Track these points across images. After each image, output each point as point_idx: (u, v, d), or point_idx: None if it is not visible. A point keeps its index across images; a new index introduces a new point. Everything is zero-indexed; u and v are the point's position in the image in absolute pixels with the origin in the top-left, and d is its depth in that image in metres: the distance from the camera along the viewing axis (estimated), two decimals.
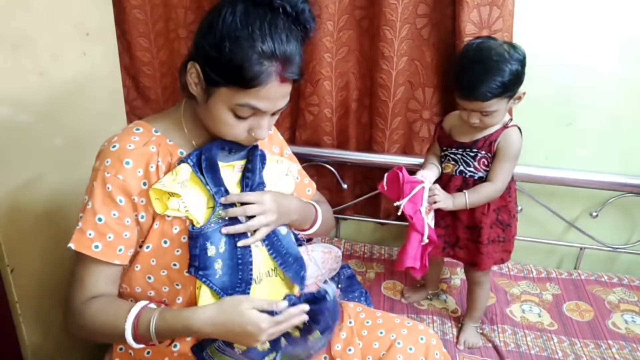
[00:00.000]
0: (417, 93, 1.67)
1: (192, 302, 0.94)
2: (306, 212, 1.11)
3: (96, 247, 0.89)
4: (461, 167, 1.35)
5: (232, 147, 0.98)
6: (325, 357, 1.09)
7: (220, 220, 0.94)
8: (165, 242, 0.93)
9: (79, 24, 1.38)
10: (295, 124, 1.82)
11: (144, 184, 0.92)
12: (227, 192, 0.96)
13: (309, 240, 1.37)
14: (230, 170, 1.00)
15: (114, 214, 0.90)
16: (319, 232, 1.17)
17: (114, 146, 0.91)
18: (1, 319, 1.25)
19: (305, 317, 0.88)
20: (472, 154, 1.33)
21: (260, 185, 1.03)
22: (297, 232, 1.12)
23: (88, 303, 0.91)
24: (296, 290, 1.03)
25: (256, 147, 1.03)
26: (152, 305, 0.92)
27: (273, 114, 0.93)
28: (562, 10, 1.55)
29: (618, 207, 1.75)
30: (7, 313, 1.25)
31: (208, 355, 0.95)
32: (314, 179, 1.60)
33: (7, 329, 1.26)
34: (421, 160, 1.65)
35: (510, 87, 1.22)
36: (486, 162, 1.32)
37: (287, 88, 0.90)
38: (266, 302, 0.85)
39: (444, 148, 1.40)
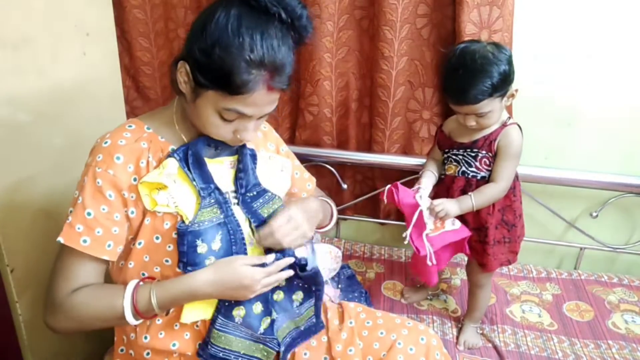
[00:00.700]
0: (417, 93, 1.67)
1: None
2: (325, 208, 1.16)
3: (84, 241, 0.90)
4: (463, 168, 1.35)
5: (219, 144, 0.99)
6: (325, 358, 1.09)
7: (214, 218, 0.95)
8: (157, 237, 0.94)
9: (79, 24, 1.38)
10: (295, 124, 1.82)
11: (134, 179, 0.92)
12: (217, 189, 0.97)
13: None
14: (219, 166, 1.01)
15: (103, 209, 0.90)
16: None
17: (106, 142, 0.92)
18: (1, 319, 1.25)
19: (291, 272, 0.97)
20: (472, 154, 1.33)
21: (255, 186, 1.04)
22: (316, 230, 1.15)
23: (73, 294, 0.92)
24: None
25: (244, 145, 1.04)
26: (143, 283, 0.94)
27: (260, 117, 0.94)
28: (562, 10, 1.55)
29: (618, 207, 1.75)
30: (7, 313, 1.25)
31: (212, 344, 0.96)
32: None
33: (7, 329, 1.26)
34: (421, 160, 1.66)
35: (500, 86, 1.22)
36: (487, 162, 1.32)
37: (275, 96, 0.91)
38: (256, 257, 0.95)
39: (446, 150, 1.40)
